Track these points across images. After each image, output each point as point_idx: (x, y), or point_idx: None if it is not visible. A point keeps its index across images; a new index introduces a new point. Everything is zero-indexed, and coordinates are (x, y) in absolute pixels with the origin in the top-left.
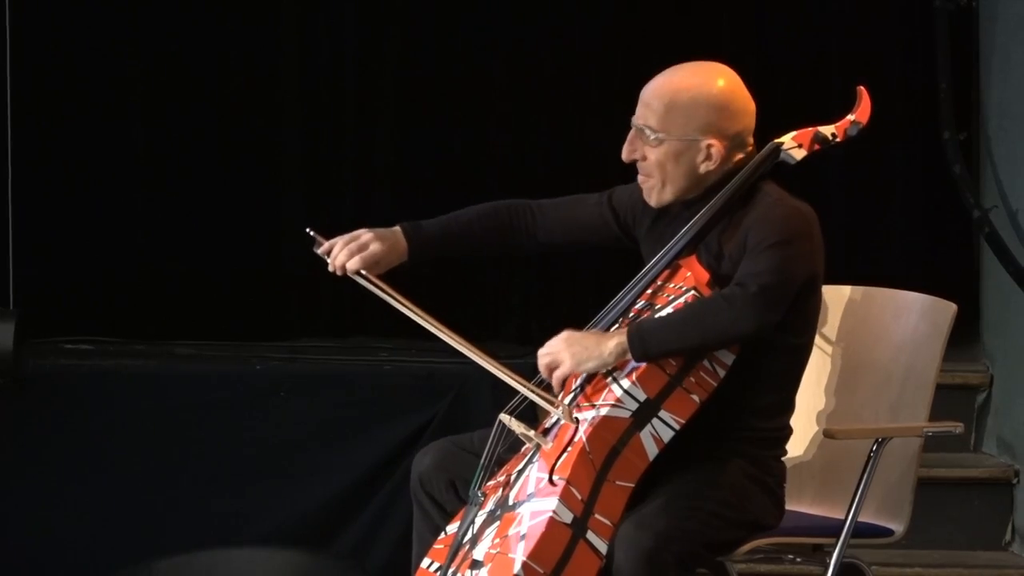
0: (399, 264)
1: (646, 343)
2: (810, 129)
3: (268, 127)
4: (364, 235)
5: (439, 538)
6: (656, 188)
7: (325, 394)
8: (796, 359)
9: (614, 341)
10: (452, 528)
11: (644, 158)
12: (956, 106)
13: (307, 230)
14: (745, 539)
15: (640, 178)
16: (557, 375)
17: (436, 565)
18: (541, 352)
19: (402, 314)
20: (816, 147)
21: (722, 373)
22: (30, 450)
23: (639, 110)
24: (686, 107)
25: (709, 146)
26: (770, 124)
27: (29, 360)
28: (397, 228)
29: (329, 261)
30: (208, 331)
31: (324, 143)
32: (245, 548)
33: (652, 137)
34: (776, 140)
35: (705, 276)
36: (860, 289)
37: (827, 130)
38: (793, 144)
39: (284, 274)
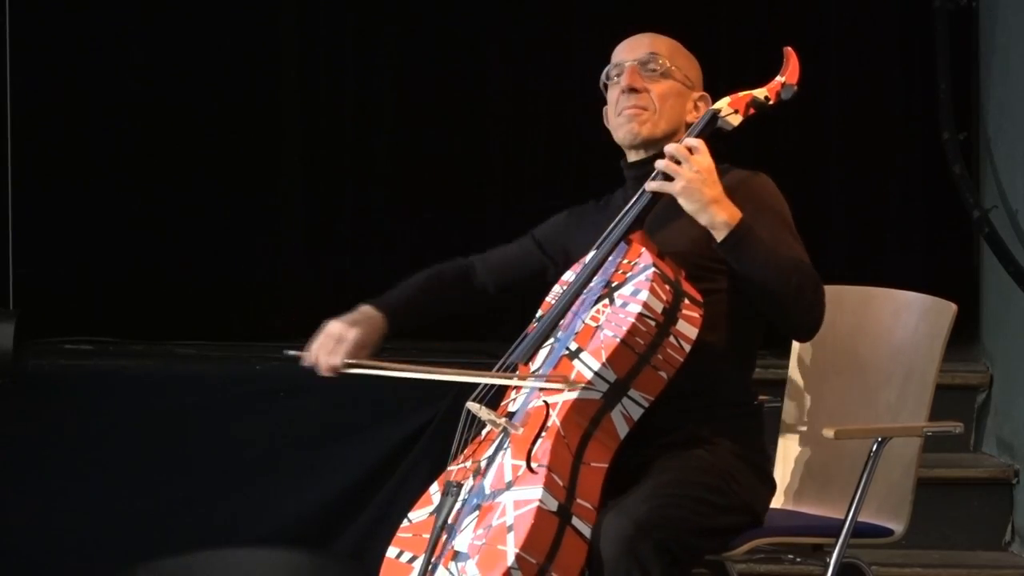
0: (381, 339)
1: (745, 239)
2: (745, 94)
3: (268, 127)
4: (335, 328)
5: (403, 526)
6: (650, 121)
7: (325, 394)
8: (757, 326)
9: (728, 211)
10: (416, 516)
11: (645, 90)
12: (956, 106)
13: (284, 351)
14: (742, 524)
15: (633, 111)
16: (656, 183)
17: (408, 555)
18: (679, 146)
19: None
20: (751, 111)
21: (688, 348)
22: (30, 450)
23: (643, 44)
24: (688, 57)
25: (700, 98)
26: (768, 124)
27: (29, 360)
28: (365, 307)
29: (321, 370)
30: (208, 331)
31: (324, 144)
32: (245, 548)
33: (662, 70)
34: (713, 107)
35: (655, 249)
36: (860, 289)
37: (760, 93)
38: (730, 110)
39: (284, 274)
